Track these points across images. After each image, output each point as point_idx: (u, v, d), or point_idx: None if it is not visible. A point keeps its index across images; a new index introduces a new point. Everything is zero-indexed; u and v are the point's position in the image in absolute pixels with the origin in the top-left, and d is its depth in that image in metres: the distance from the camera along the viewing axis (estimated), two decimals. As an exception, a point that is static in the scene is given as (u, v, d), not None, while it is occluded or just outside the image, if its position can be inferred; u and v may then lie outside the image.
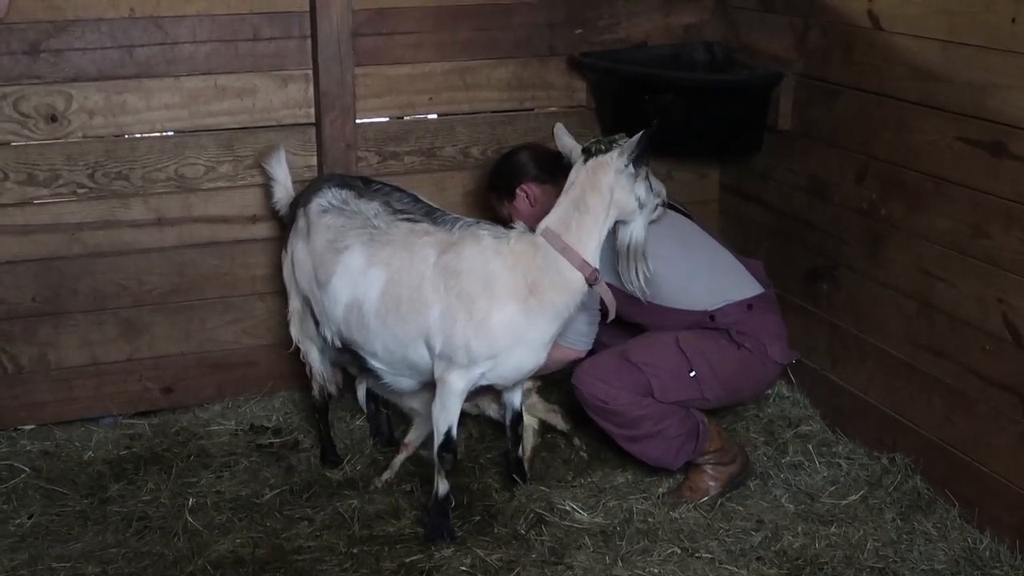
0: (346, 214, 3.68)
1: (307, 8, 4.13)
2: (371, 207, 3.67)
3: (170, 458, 4.01)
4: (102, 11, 3.94)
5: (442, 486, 3.55)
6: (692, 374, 3.64)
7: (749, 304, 3.74)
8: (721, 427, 3.86)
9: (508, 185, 3.94)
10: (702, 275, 3.78)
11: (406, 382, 3.74)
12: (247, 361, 4.41)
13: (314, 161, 4.29)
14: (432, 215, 3.62)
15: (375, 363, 3.70)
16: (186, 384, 4.36)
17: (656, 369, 3.62)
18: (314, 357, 3.99)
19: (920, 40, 3.58)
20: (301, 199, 3.87)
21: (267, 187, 4.14)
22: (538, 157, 3.95)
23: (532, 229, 3.47)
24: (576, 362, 3.79)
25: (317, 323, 3.83)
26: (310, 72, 4.20)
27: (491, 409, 3.97)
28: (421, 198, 3.73)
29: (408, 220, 3.61)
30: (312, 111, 4.24)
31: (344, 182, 3.80)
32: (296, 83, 4.21)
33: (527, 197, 3.90)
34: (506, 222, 3.78)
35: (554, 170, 3.73)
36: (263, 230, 4.29)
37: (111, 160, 4.08)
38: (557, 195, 3.47)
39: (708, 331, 3.71)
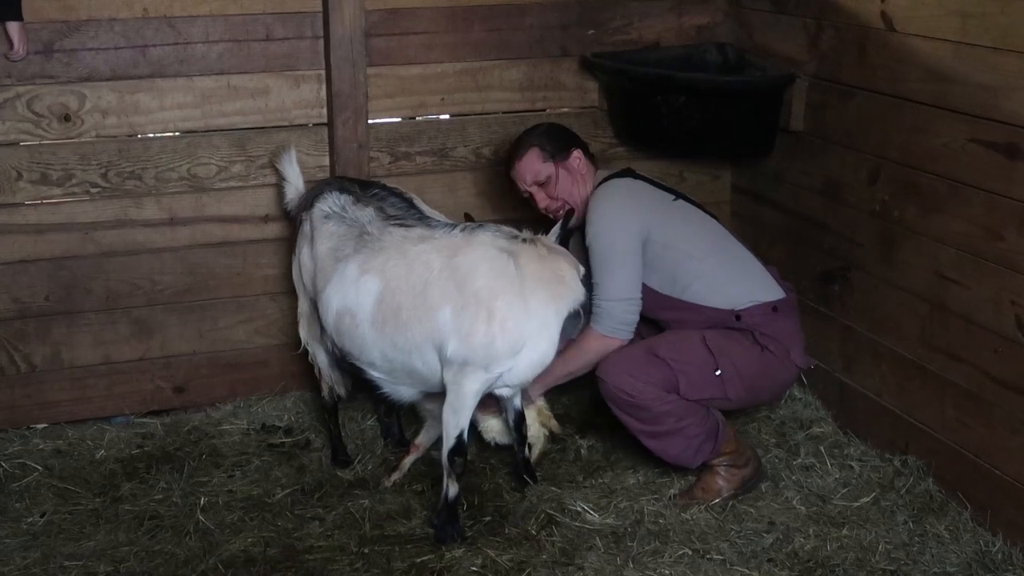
0: (346, 222, 3.69)
1: (320, 8, 4.13)
2: (366, 213, 3.68)
3: (182, 457, 4.02)
4: (115, 11, 3.95)
5: (452, 489, 3.54)
6: (717, 372, 3.64)
7: (774, 307, 3.74)
8: (735, 429, 3.86)
9: (565, 146, 3.95)
10: (732, 274, 3.79)
11: (406, 391, 3.74)
12: (259, 361, 4.42)
13: (326, 161, 4.29)
14: (425, 220, 3.63)
15: (373, 372, 3.70)
16: (198, 383, 4.37)
17: (684, 365, 3.62)
18: (322, 359, 3.99)
19: (933, 41, 3.57)
20: (304, 203, 3.88)
21: (279, 187, 4.15)
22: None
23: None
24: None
25: (324, 328, 3.83)
26: (323, 72, 4.20)
27: (498, 435, 3.94)
28: (416, 203, 3.74)
29: (400, 226, 3.61)
30: (324, 111, 4.25)
31: (343, 187, 3.79)
32: (308, 83, 4.22)
33: (579, 162, 3.95)
34: (524, 200, 4.03)
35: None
36: (275, 230, 4.30)
37: (124, 160, 4.09)
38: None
39: (732, 331, 3.71)
